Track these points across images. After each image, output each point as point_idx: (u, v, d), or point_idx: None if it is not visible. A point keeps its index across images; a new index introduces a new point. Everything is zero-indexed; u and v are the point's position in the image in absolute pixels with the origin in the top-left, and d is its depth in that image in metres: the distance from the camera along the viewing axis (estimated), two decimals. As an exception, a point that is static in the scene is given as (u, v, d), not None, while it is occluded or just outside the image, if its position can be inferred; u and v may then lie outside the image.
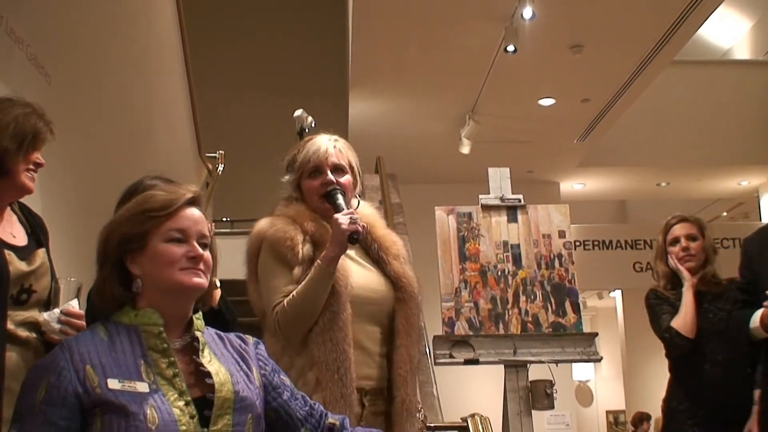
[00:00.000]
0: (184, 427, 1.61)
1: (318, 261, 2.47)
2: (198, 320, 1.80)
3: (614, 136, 10.34)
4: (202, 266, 1.75)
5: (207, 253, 1.78)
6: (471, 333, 3.57)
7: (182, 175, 5.26)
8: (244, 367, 1.80)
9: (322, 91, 7.27)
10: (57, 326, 2.26)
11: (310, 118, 5.22)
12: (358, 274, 2.57)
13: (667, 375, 3.73)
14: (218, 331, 1.87)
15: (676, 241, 3.70)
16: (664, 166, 10.81)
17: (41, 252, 2.39)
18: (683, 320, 3.52)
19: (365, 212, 2.70)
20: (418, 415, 2.61)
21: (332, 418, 1.88)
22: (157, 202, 1.76)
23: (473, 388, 8.78)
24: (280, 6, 6.90)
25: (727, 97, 10.67)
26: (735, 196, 12.17)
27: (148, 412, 1.59)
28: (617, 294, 13.55)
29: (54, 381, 1.60)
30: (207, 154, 7.05)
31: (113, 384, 1.61)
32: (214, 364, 1.74)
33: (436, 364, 3.47)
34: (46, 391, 1.60)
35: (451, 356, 3.52)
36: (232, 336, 1.87)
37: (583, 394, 15.02)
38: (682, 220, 3.73)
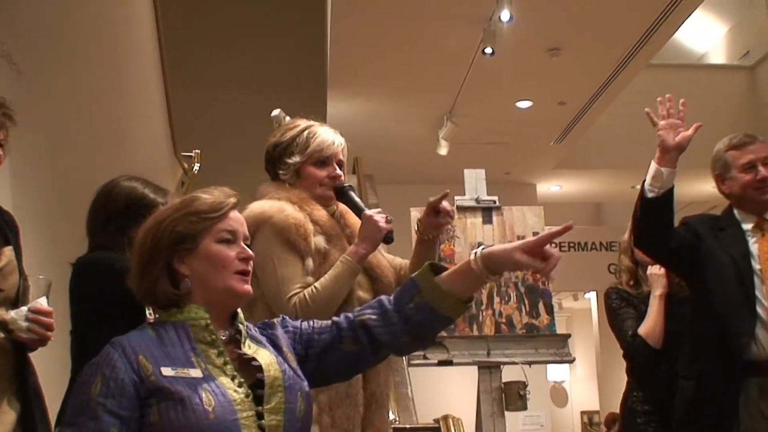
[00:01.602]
0: (240, 407, 1.66)
1: (346, 257, 2.46)
2: (241, 313, 1.84)
3: (590, 139, 10.42)
4: (250, 267, 1.82)
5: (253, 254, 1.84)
6: (445, 334, 3.57)
7: (157, 174, 5.24)
8: (277, 350, 1.83)
9: (299, 91, 7.25)
10: (24, 324, 2.23)
11: (287, 118, 5.20)
12: None
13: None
14: (253, 324, 1.90)
15: None
16: (639, 169, 10.69)
17: (7, 250, 2.35)
18: (651, 329, 3.46)
19: (343, 207, 2.69)
20: (390, 409, 2.61)
21: (363, 316, 1.85)
22: (207, 204, 1.80)
23: (448, 389, 8.81)
24: (258, 5, 6.87)
25: (702, 101, 10.72)
26: (709, 200, 12.24)
27: (204, 396, 1.63)
28: (592, 295, 13.63)
29: (109, 373, 1.63)
30: (183, 153, 7.02)
31: (167, 371, 1.65)
32: (258, 352, 1.78)
33: (410, 365, 3.49)
34: (103, 383, 1.63)
35: (425, 357, 3.53)
36: (259, 326, 1.90)
37: (558, 395, 15.09)
38: None
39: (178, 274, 1.77)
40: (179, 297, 1.77)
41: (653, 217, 2.87)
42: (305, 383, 1.79)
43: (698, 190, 11.54)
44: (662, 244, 2.96)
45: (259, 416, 1.68)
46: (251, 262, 1.82)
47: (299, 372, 1.80)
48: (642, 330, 3.48)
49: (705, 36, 13.34)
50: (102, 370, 1.65)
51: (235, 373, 1.71)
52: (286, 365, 1.78)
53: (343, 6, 6.88)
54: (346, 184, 2.63)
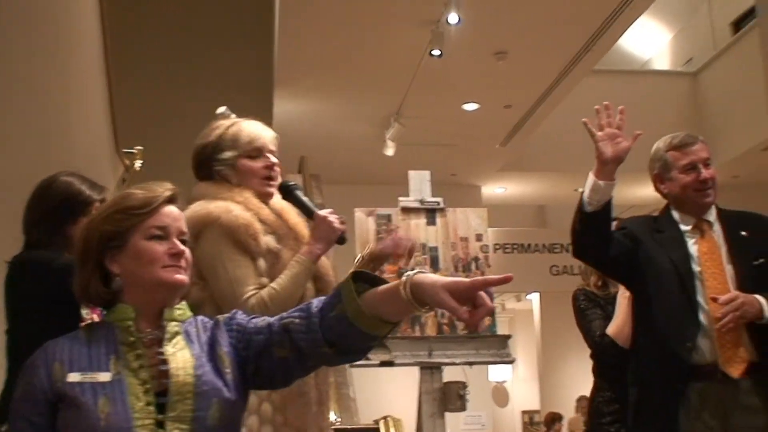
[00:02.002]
0: (138, 414, 1.62)
1: (301, 257, 2.43)
2: (178, 310, 1.79)
3: (535, 142, 10.54)
4: (183, 263, 1.76)
5: (188, 250, 1.79)
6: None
7: (98, 171, 5.16)
8: (213, 351, 1.76)
9: (246, 89, 7.20)
10: None
11: (233, 116, 5.16)
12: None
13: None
14: (207, 319, 1.85)
15: None
16: (582, 172, 10.78)
17: None
18: (620, 329, 3.42)
19: (279, 201, 2.66)
20: (331, 410, 2.61)
21: (287, 320, 1.74)
22: (136, 200, 1.76)
23: (391, 390, 8.83)
24: (205, 1, 6.82)
25: (645, 106, 10.93)
26: (649, 203, 12.48)
27: (101, 402, 1.60)
28: (535, 297, 13.80)
29: (28, 378, 1.67)
30: (124, 150, 6.93)
31: (73, 377, 1.64)
32: (182, 352, 1.73)
33: (351, 365, 3.49)
34: (22, 389, 1.67)
35: (366, 358, 3.53)
36: (205, 321, 1.84)
37: (500, 395, 15.23)
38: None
39: (110, 272, 1.75)
40: (112, 296, 1.76)
41: (592, 229, 2.83)
42: (226, 389, 1.71)
43: (640, 194, 11.75)
44: (601, 255, 2.93)
45: (160, 425, 1.63)
46: (184, 259, 1.77)
47: (226, 377, 1.72)
48: (610, 330, 3.51)
49: (649, 42, 13.59)
50: (25, 374, 1.68)
51: (147, 378, 1.67)
52: (207, 369, 1.71)
53: (291, 4, 6.86)
54: (291, 183, 2.61)
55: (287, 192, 2.59)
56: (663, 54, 13.77)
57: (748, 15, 10.96)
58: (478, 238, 3.89)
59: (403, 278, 1.55)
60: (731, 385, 2.75)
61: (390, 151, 9.51)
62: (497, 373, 14.59)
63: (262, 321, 1.79)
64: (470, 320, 1.52)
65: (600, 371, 3.75)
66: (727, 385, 2.75)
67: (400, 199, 3.86)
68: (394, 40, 7.49)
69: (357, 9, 6.99)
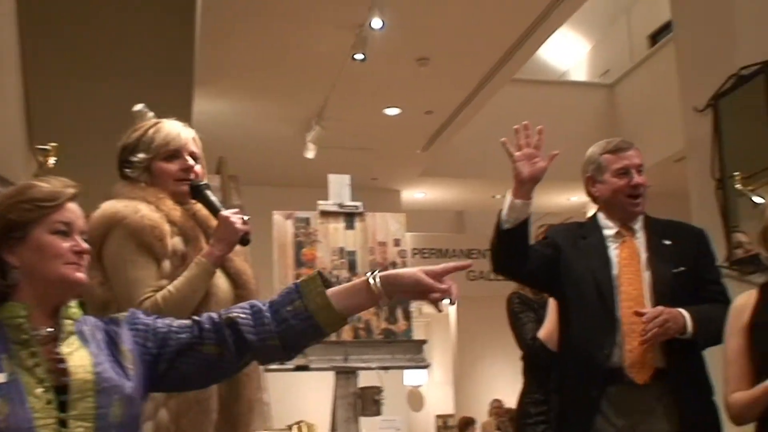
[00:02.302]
0: (39, 414, 1.57)
1: (200, 258, 2.39)
2: (71, 309, 1.75)
3: (455, 148, 10.64)
4: (84, 261, 1.74)
5: (88, 248, 1.76)
6: (303, 338, 3.56)
7: (9, 167, 5.01)
8: (114, 348, 1.73)
9: (165, 86, 7.06)
10: None
11: (151, 114, 5.06)
12: None
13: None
14: (101, 319, 1.81)
15: None
16: (501, 179, 11.07)
17: None
18: (550, 333, 3.46)
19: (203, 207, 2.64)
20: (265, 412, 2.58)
21: (232, 314, 1.77)
22: (42, 192, 1.71)
23: (306, 395, 8.78)
24: (124, -3, 6.68)
25: (562, 116, 11.16)
26: (564, 211, 12.73)
27: None
28: (452, 302, 13.91)
29: None
30: (38, 146, 6.74)
31: None
32: (79, 350, 1.69)
33: (267, 370, 3.43)
34: None
35: (281, 362, 3.50)
36: (105, 322, 1.81)
37: (415, 399, 15.31)
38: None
39: (7, 264, 1.69)
40: (8, 289, 1.69)
41: (510, 246, 2.86)
42: (129, 386, 1.69)
43: (555, 202, 11.98)
44: (519, 270, 2.98)
45: (63, 423, 1.60)
46: (86, 257, 1.75)
47: (128, 374, 1.71)
48: (541, 333, 3.55)
49: (568, 53, 13.85)
50: None
51: (44, 377, 1.62)
52: (107, 366, 1.69)
53: (213, 2, 6.77)
54: (201, 183, 2.56)
55: (196, 192, 2.55)
56: (581, 65, 14.05)
57: (665, 29, 11.26)
58: (397, 243, 3.89)
59: (368, 275, 1.76)
60: (639, 390, 2.80)
61: (310, 153, 9.47)
62: (413, 377, 14.66)
63: (183, 321, 1.78)
64: (449, 293, 1.77)
65: (530, 373, 3.81)
66: (635, 390, 2.80)
67: (319, 202, 3.83)
68: (317, 42, 7.47)
69: (280, 10, 6.95)
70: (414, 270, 1.78)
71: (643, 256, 2.96)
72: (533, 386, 3.77)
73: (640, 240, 3.00)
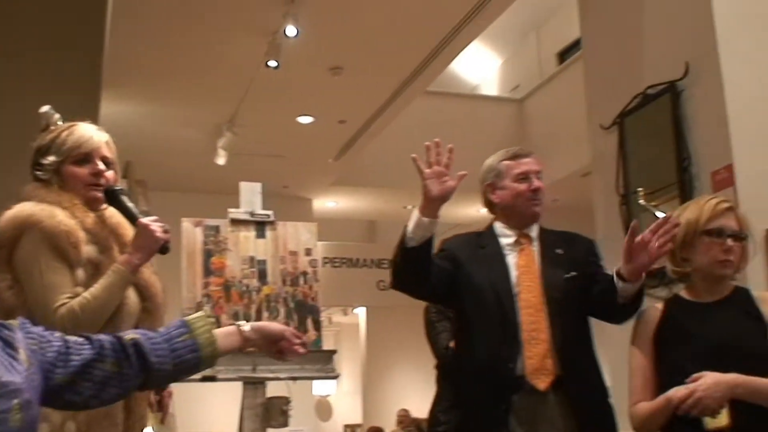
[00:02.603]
0: None
1: (118, 266, 2.34)
2: None
3: (368, 158, 10.67)
4: None
5: None
6: (211, 348, 3.50)
7: None
8: (10, 351, 1.65)
9: (72, 88, 6.89)
10: None
11: (57, 116, 4.91)
12: None
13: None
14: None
15: None
16: (411, 189, 11.15)
17: None
18: None
19: (114, 213, 2.57)
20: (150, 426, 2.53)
21: (135, 335, 1.79)
22: None
23: (212, 405, 8.66)
24: (31, -5, 6.49)
25: (473, 129, 11.31)
26: (474, 222, 12.89)
27: None
28: (361, 311, 13.94)
29: None
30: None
31: None
32: None
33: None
34: None
35: (186, 373, 3.44)
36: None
37: (323, 409, 15.26)
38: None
39: None
40: None
41: (413, 264, 2.83)
42: (27, 390, 1.62)
43: (464, 213, 12.11)
44: (421, 289, 2.97)
45: None
46: None
47: (26, 377, 1.63)
48: (454, 343, 3.57)
49: (479, 68, 14.06)
50: None
51: None
52: (3, 370, 1.61)
53: (124, 4, 6.63)
54: (117, 188, 2.52)
55: (111, 197, 2.50)
56: (492, 79, 14.28)
57: (573, 47, 11.54)
58: (308, 252, 3.87)
59: (241, 323, 1.98)
60: (540, 398, 2.82)
61: (221, 160, 9.36)
62: (321, 387, 14.61)
63: (77, 338, 1.74)
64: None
65: (444, 381, 3.84)
66: (536, 397, 2.82)
67: (230, 210, 3.78)
68: (230, 47, 7.39)
69: (193, 13, 6.85)
70: (282, 326, 2.08)
71: (538, 264, 2.99)
72: (446, 394, 3.80)
73: (535, 249, 3.04)
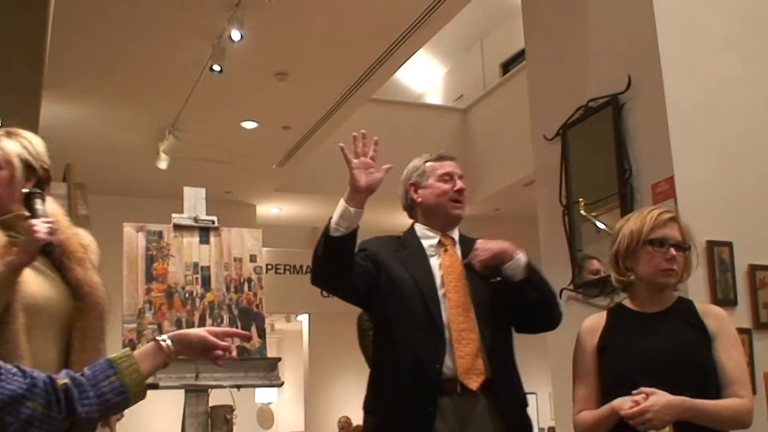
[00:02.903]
0: None
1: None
2: None
3: (312, 165, 10.64)
4: None
5: None
6: (153, 356, 3.45)
7: None
8: None
9: (11, 89, 6.76)
10: None
11: (-5, 117, 4.82)
12: (32, 279, 2.37)
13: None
14: None
15: None
16: (356, 198, 11.25)
17: None
18: None
19: (50, 212, 2.52)
20: None
21: (65, 380, 1.70)
22: None
23: (153, 414, 8.53)
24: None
25: (419, 137, 11.34)
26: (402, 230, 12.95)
27: None
28: (304, 318, 13.88)
29: None
30: None
31: None
32: None
33: (113, 387, 3.31)
34: None
35: (128, 380, 3.39)
36: None
37: (265, 417, 15.15)
38: None
39: None
40: None
41: (335, 255, 2.80)
42: None
43: (403, 222, 12.15)
44: (341, 282, 2.91)
45: None
46: None
47: None
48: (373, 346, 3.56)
49: (424, 77, 14.13)
50: None
51: None
52: None
53: (68, 5, 6.52)
54: (32, 191, 2.46)
55: (26, 200, 2.45)
56: (436, 89, 14.36)
57: (517, 57, 11.68)
58: (253, 258, 3.84)
59: (159, 338, 1.86)
60: (471, 398, 2.81)
61: (163, 164, 9.24)
62: (263, 395, 14.51)
63: (11, 368, 1.67)
64: (229, 352, 1.94)
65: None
66: (467, 397, 2.81)
67: (174, 215, 3.74)
68: (174, 50, 7.31)
69: (137, 14, 6.75)
70: (200, 330, 1.91)
71: (462, 267, 2.98)
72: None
73: (459, 252, 3.04)
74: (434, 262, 2.98)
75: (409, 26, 7.13)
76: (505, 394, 2.86)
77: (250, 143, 9.46)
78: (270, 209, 12.16)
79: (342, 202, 2.79)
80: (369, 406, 3.00)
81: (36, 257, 2.33)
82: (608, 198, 3.87)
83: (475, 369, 2.82)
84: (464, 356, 2.82)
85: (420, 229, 3.08)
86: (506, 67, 12.25)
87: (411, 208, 3.14)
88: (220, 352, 1.91)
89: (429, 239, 3.04)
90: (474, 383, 2.81)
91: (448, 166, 3.08)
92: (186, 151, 9.11)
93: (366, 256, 2.96)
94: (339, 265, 2.82)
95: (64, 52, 7.14)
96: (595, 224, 4.01)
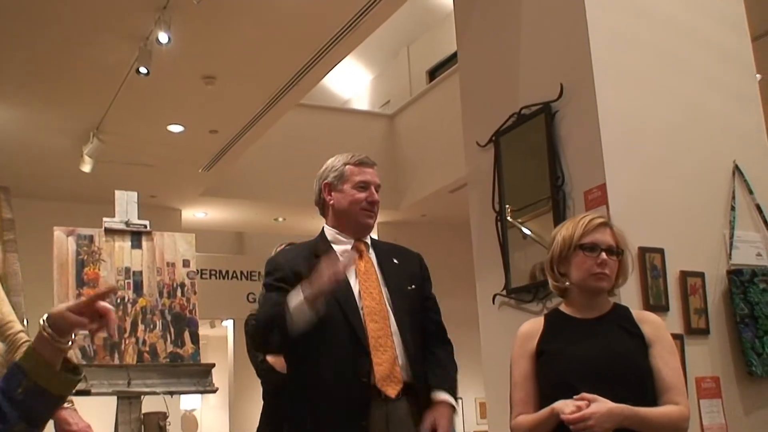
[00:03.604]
0: None
1: None
2: None
3: (239, 169, 10.57)
4: None
5: None
6: (84, 362, 3.39)
7: None
8: None
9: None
10: None
11: None
12: None
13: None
14: None
15: None
16: (283, 202, 11.23)
17: None
18: (278, 355, 3.48)
19: None
20: None
21: None
22: None
23: (88, 420, 8.34)
24: None
25: (346, 142, 11.34)
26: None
27: None
28: (229, 323, 13.73)
29: None
30: None
31: None
32: None
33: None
34: None
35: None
36: None
37: (189, 424, 14.93)
38: None
39: None
40: None
41: (287, 338, 2.77)
42: None
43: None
44: (284, 347, 2.92)
45: None
46: None
47: None
48: (270, 357, 3.56)
49: (350, 83, 14.15)
50: None
51: None
52: None
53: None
54: None
55: None
56: (363, 95, 14.40)
57: (444, 64, 11.80)
58: (186, 263, 3.81)
59: (41, 321, 1.67)
60: (392, 404, 2.81)
61: (87, 167, 9.04)
62: (188, 401, 14.30)
63: None
64: (105, 327, 1.70)
65: (265, 398, 3.82)
66: (387, 404, 2.81)
67: (105, 219, 3.68)
68: (99, 52, 7.16)
69: (60, 14, 6.59)
70: (63, 308, 1.69)
71: (378, 273, 2.99)
72: (265, 409, 3.80)
73: (372, 257, 3.04)
74: (352, 269, 2.92)
75: (338, 32, 7.14)
76: (426, 399, 2.87)
77: (176, 147, 9.33)
78: (195, 213, 12.01)
79: (305, 306, 2.71)
80: (290, 426, 2.93)
81: None
82: (539, 203, 3.93)
83: (393, 377, 2.83)
84: (381, 363, 2.82)
85: (331, 233, 3.05)
86: (433, 73, 12.35)
87: (322, 206, 3.11)
88: (92, 326, 1.70)
89: (342, 245, 3.01)
90: (392, 390, 2.81)
91: (366, 174, 3.05)
92: (111, 154, 8.94)
93: (285, 281, 2.89)
94: (285, 339, 2.77)
95: (-16, 52, 6.95)
96: (521, 230, 4.07)
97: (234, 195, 11.23)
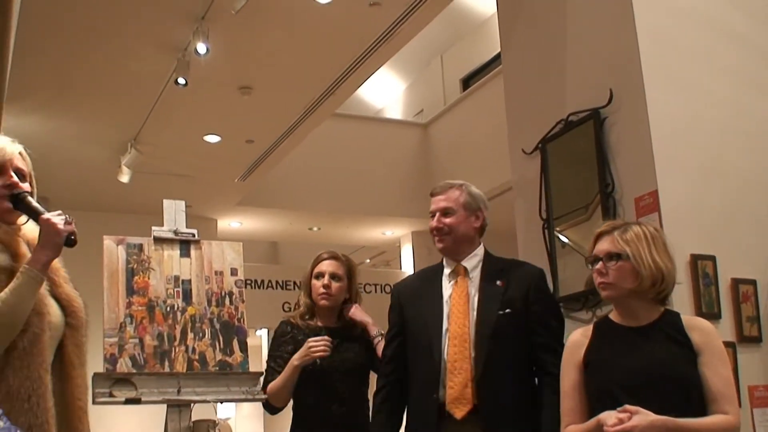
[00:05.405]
0: None
1: (26, 266, 2.24)
2: None
3: (274, 179, 10.60)
4: None
5: None
6: (134, 371, 3.40)
7: None
8: None
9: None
10: None
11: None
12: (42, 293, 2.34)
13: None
14: None
15: (320, 275, 3.76)
16: (317, 212, 11.25)
17: None
18: (277, 391, 3.67)
19: (31, 229, 2.48)
20: None
21: None
22: None
23: (136, 430, 8.37)
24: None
25: (379, 152, 11.38)
26: (379, 245, 12.94)
27: None
28: (263, 332, 13.76)
29: None
30: None
31: None
32: None
33: (94, 403, 3.24)
34: None
35: (111, 395, 3.32)
36: None
37: (224, 432, 14.98)
38: (333, 257, 3.80)
39: None
40: None
41: None
42: None
43: (369, 236, 12.14)
44: None
45: None
46: None
47: None
48: (269, 387, 3.63)
49: (384, 92, 14.17)
50: None
51: None
52: None
53: (30, 16, 6.41)
54: (20, 191, 2.42)
55: (16, 201, 2.41)
56: (396, 104, 14.40)
57: (477, 73, 11.76)
58: (233, 272, 3.81)
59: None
60: (456, 426, 2.94)
61: (125, 178, 9.11)
62: (222, 409, 14.32)
63: None
64: None
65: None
66: (454, 424, 2.94)
67: (154, 228, 3.69)
68: (138, 63, 7.23)
69: (100, 26, 6.66)
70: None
71: (475, 297, 3.09)
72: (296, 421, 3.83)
73: (472, 280, 3.14)
74: (446, 291, 3.16)
75: (374, 41, 7.16)
76: (494, 420, 2.93)
77: (212, 157, 9.38)
78: (231, 223, 12.06)
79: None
80: None
81: (60, 251, 2.31)
82: (585, 209, 3.89)
83: (463, 399, 2.94)
84: (453, 386, 2.97)
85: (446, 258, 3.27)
86: (466, 82, 12.32)
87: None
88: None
89: (448, 267, 3.23)
90: (459, 412, 2.94)
91: (432, 204, 3.24)
92: (148, 164, 9.00)
93: (394, 307, 3.34)
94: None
95: (26, 65, 7.03)
96: (559, 238, 4.04)
97: (269, 204, 11.27)
